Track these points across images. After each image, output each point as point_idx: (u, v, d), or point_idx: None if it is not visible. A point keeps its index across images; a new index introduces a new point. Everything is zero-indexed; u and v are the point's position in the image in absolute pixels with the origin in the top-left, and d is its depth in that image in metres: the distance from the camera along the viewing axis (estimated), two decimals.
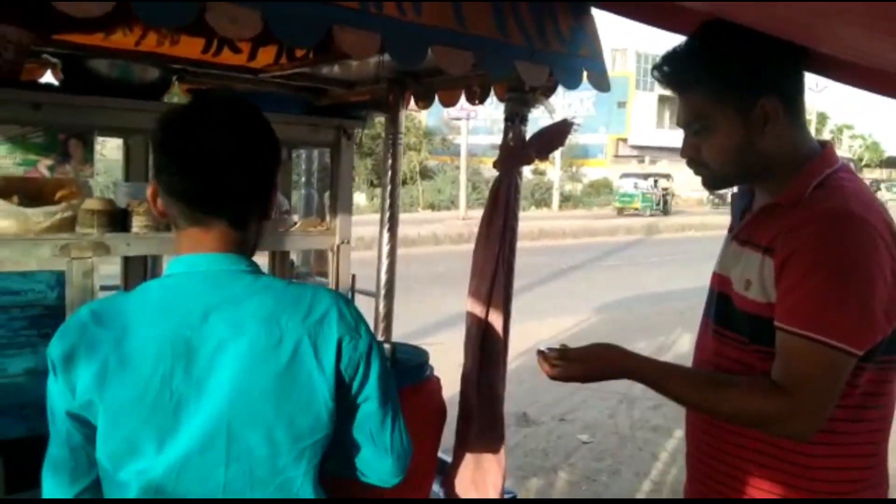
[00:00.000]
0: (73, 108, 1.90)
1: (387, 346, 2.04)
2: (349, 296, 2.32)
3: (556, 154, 26.18)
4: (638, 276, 10.91)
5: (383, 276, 2.28)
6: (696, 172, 1.42)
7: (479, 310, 1.85)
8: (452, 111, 23.47)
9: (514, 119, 1.85)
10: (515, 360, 6.07)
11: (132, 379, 1.03)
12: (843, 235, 1.20)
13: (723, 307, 1.41)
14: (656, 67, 1.39)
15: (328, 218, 2.25)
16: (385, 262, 2.28)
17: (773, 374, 1.24)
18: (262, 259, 2.81)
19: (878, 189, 31.52)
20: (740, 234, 1.40)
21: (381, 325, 2.32)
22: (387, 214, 2.25)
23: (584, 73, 1.86)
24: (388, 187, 2.25)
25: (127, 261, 2.44)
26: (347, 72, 2.30)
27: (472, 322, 1.87)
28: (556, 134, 1.85)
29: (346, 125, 2.18)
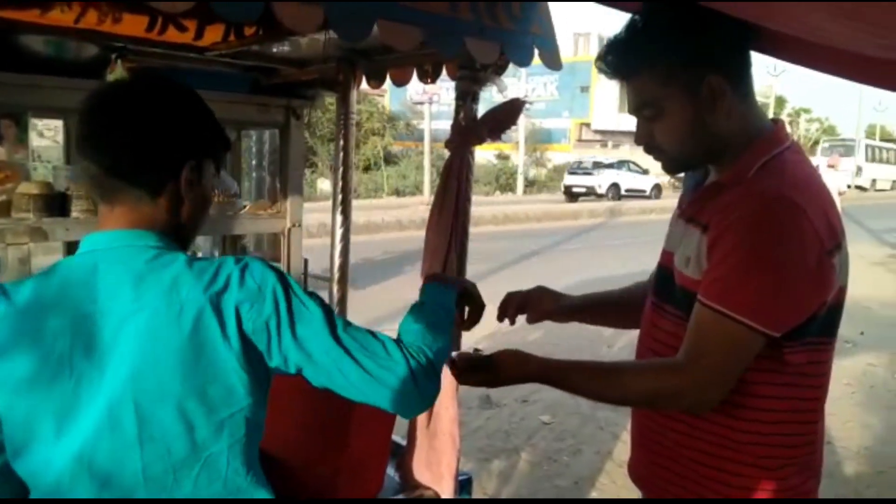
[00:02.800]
0: (2, 86, 1.81)
1: None
2: (301, 280, 2.28)
3: (521, 139, 26.29)
4: (600, 259, 11.01)
5: (337, 260, 2.24)
6: (656, 158, 1.42)
7: None
8: (415, 95, 23.36)
9: (466, 98, 1.82)
10: (478, 344, 6.13)
11: (28, 357, 1.01)
12: (770, 218, 1.21)
13: (664, 282, 1.42)
14: (600, 58, 1.36)
15: (279, 201, 2.20)
16: (339, 245, 2.24)
17: (681, 347, 1.26)
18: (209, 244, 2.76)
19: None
20: (686, 212, 1.40)
21: (336, 310, 2.28)
22: (339, 197, 2.20)
23: (536, 51, 1.84)
24: (341, 169, 2.20)
25: (68, 247, 2.36)
26: (297, 50, 2.24)
27: None
28: (508, 113, 1.83)
29: (294, 105, 2.13)
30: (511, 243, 12.93)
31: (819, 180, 1.34)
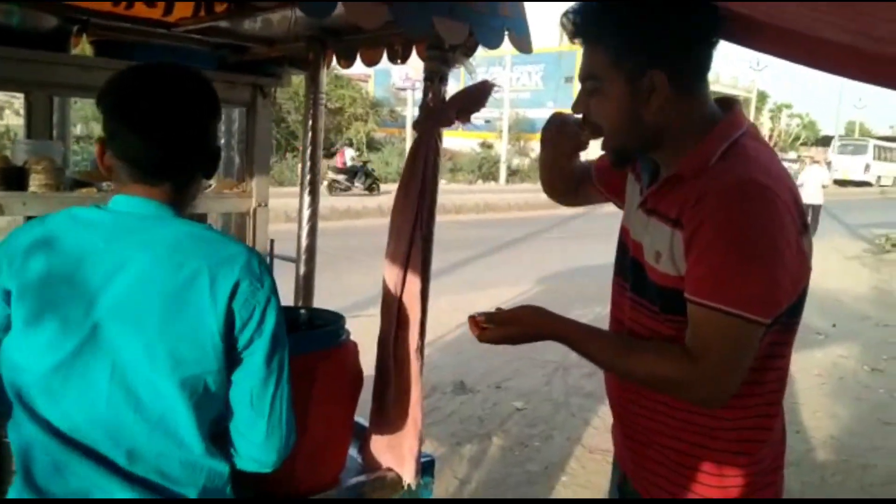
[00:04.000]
0: None
1: (303, 311, 1.99)
2: (267, 260, 2.26)
3: (504, 128, 26.23)
4: (581, 249, 11.05)
5: (304, 241, 2.22)
6: (603, 146, 1.43)
7: (395, 274, 1.81)
8: (399, 81, 23.23)
9: (434, 78, 1.80)
10: (455, 331, 6.14)
11: (48, 270, 1.09)
12: (747, 205, 1.21)
13: (638, 275, 1.41)
14: (566, 15, 1.36)
15: (245, 181, 2.17)
16: (306, 226, 2.22)
17: (686, 341, 1.26)
18: None
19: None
20: (646, 203, 1.40)
21: (302, 292, 2.27)
22: (307, 177, 2.18)
23: (506, 33, 1.82)
24: (309, 149, 2.18)
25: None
26: (268, 28, 2.21)
27: (388, 288, 1.83)
28: (477, 95, 1.81)
29: (261, 83, 2.09)
30: (493, 231, 12.94)
31: (780, 164, 1.34)
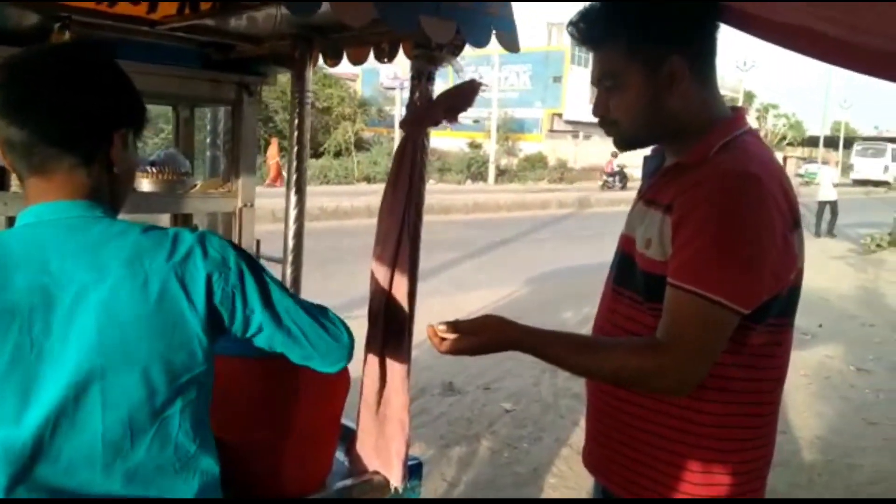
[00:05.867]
0: None
1: None
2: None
3: (493, 128, 26.25)
4: (570, 249, 11.07)
5: (290, 242, 2.19)
6: (608, 132, 1.43)
7: (382, 276, 1.79)
8: (387, 81, 23.13)
9: (421, 77, 1.78)
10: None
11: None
12: (736, 194, 1.22)
13: (625, 266, 1.42)
14: (572, 23, 1.37)
15: (231, 180, 2.14)
16: (293, 227, 2.19)
17: (658, 330, 1.25)
18: (164, 223, 2.68)
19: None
20: (646, 194, 1.41)
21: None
22: (294, 177, 2.15)
23: (493, 32, 1.81)
24: (295, 148, 2.15)
25: (9, 222, 2.27)
26: (254, 26, 2.18)
27: (375, 289, 1.81)
28: (464, 94, 1.79)
29: (247, 81, 2.06)
30: (481, 232, 12.93)
31: (777, 163, 1.35)
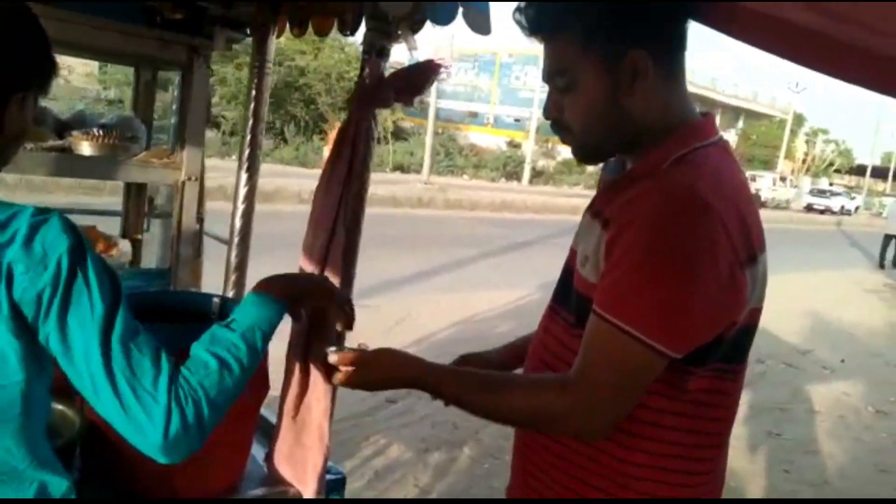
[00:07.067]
0: None
1: (215, 299, 1.80)
2: (196, 241, 2.08)
3: (532, 128, 25.98)
4: None
5: (238, 222, 2.03)
6: (563, 140, 1.24)
7: (311, 268, 1.62)
8: None
9: (371, 52, 1.60)
10: (446, 331, 5.94)
11: None
12: (674, 217, 1.02)
13: (565, 283, 1.25)
14: (519, 10, 1.17)
15: (175, 150, 1.98)
16: (241, 206, 2.02)
17: (574, 363, 1.08)
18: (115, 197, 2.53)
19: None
20: (594, 205, 1.23)
21: (233, 276, 2.07)
22: (246, 152, 1.99)
23: (460, 10, 1.62)
24: (251, 121, 1.99)
25: None
26: None
27: None
28: (421, 76, 1.60)
29: (199, 44, 1.89)
30: (504, 231, 12.74)
31: (743, 182, 1.14)
